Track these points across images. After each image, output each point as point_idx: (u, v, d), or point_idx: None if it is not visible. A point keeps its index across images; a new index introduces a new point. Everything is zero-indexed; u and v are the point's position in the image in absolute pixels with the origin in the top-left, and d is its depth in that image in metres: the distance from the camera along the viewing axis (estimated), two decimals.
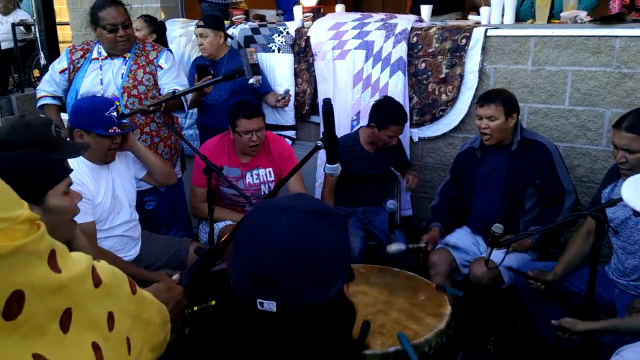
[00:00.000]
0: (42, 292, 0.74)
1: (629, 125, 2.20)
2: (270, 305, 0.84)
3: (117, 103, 3.00)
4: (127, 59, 3.09)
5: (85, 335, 0.82)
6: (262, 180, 3.14)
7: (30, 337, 0.73)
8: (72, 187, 2.37)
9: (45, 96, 3.19)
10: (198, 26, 3.62)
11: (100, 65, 3.07)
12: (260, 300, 0.84)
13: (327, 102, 1.87)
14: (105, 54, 3.09)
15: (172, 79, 3.14)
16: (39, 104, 3.22)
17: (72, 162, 2.42)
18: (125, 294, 0.98)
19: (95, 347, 0.83)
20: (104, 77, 3.05)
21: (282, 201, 0.93)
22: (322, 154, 3.39)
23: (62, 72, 3.13)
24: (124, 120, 2.78)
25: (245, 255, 0.88)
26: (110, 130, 2.47)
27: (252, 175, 3.11)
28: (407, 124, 3.55)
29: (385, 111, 3.11)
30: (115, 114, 2.51)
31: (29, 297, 0.72)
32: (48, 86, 3.18)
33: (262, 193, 3.15)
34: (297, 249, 0.85)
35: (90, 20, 3.06)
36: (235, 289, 0.89)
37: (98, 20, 2.97)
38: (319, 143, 1.85)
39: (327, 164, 1.94)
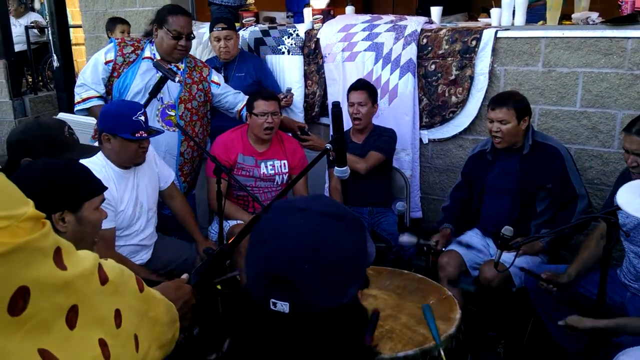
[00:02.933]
0: (47, 289, 0.75)
1: (639, 129, 2.19)
2: (283, 306, 0.84)
3: (174, 112, 3.06)
4: (180, 70, 3.08)
5: (92, 332, 0.84)
6: (277, 172, 3.19)
7: (36, 332, 0.74)
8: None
9: (92, 97, 3.02)
10: (222, 29, 3.62)
11: (156, 70, 2.95)
12: (274, 301, 0.84)
13: (337, 106, 1.88)
14: (159, 57, 3.03)
15: (228, 90, 3.27)
16: (86, 105, 3.03)
17: (100, 168, 2.45)
18: (133, 292, 0.99)
19: (102, 344, 0.85)
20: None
21: (300, 202, 0.93)
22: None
23: (107, 62, 3.02)
24: (159, 127, 2.81)
25: (261, 255, 0.88)
26: (137, 135, 2.47)
27: (266, 166, 3.17)
28: (417, 125, 3.55)
29: (348, 88, 3.32)
30: (142, 118, 2.50)
31: (34, 293, 0.73)
32: (91, 82, 3.02)
33: (276, 184, 3.21)
34: (313, 250, 0.85)
35: (154, 19, 3.04)
36: (248, 288, 0.89)
37: (165, 22, 2.97)
38: (328, 146, 1.85)
39: (336, 167, 1.94)
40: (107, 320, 0.88)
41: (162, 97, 3.03)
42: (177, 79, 2.88)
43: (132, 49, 3.07)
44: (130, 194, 2.59)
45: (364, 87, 3.24)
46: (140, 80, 3.02)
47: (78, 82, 3.12)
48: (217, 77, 3.25)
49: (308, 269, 0.83)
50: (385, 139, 3.29)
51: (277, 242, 0.86)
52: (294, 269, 0.84)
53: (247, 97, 3.21)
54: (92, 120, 3.07)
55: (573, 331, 2.14)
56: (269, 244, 0.87)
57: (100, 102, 3.02)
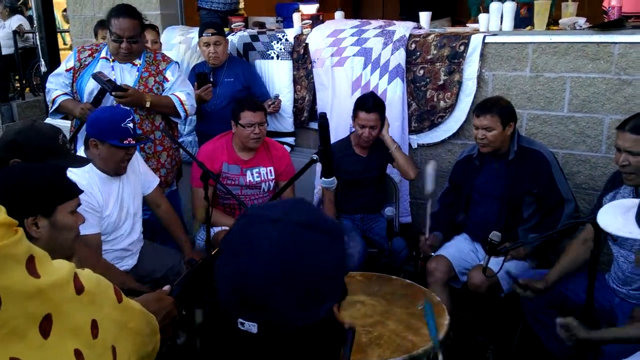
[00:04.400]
0: (19, 296, 0.74)
1: (633, 127, 2.18)
2: (251, 327, 0.78)
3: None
4: (137, 65, 3.11)
5: (67, 342, 0.82)
6: (263, 179, 3.17)
7: (8, 340, 0.73)
8: (81, 197, 2.39)
9: (58, 95, 3.13)
10: (212, 34, 3.61)
11: (112, 66, 3.08)
12: (241, 320, 0.79)
13: (323, 117, 1.88)
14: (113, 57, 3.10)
15: (176, 86, 3.16)
16: (55, 104, 3.12)
17: (84, 173, 2.43)
18: (111, 303, 0.97)
19: (78, 354, 0.83)
20: (116, 78, 3.05)
21: (275, 210, 0.85)
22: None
23: (68, 70, 3.14)
24: (139, 132, 2.82)
25: (228, 270, 0.82)
26: (125, 142, 2.46)
27: (252, 174, 3.14)
28: (406, 130, 3.56)
29: (356, 101, 3.13)
30: (131, 125, 2.49)
31: (6, 301, 0.72)
32: (55, 85, 3.17)
33: (263, 191, 3.18)
34: (284, 267, 0.78)
35: (106, 22, 3.08)
36: (219, 300, 0.83)
37: (109, 24, 3.00)
38: (314, 156, 1.85)
39: (323, 178, 1.94)
40: (83, 331, 0.86)
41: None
42: (116, 91, 2.89)
43: (89, 52, 3.14)
44: (116, 199, 2.57)
45: (377, 108, 3.03)
46: (93, 80, 3.03)
47: (47, 93, 3.25)
48: (171, 73, 3.17)
49: (278, 287, 0.77)
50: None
51: (245, 258, 0.80)
52: (262, 289, 0.78)
53: (184, 94, 3.14)
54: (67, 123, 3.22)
55: (567, 332, 2.12)
56: (237, 259, 0.81)
57: (67, 97, 3.13)
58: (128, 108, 2.94)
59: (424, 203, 3.66)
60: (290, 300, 0.78)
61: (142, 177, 2.79)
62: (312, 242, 0.81)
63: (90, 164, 2.48)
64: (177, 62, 3.33)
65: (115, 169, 2.54)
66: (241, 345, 0.81)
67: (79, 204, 1.62)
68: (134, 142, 2.50)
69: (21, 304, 0.75)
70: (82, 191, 1.66)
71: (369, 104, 3.04)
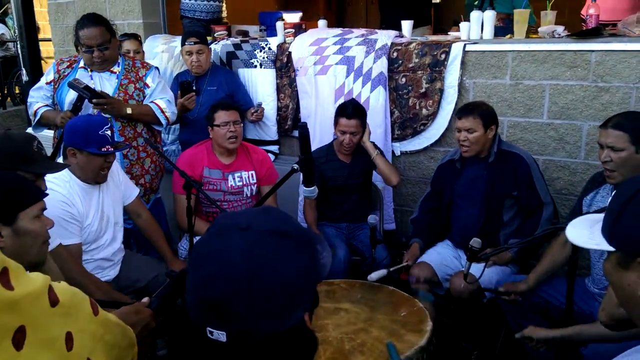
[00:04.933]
0: None
1: (615, 123, 2.22)
2: (219, 335, 0.78)
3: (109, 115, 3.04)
4: (116, 73, 3.12)
5: (41, 354, 0.82)
6: (245, 183, 3.17)
7: None
8: (62, 207, 2.36)
9: (41, 106, 3.15)
10: (194, 43, 3.61)
11: (91, 75, 3.09)
12: (210, 329, 0.79)
13: (303, 126, 1.89)
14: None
15: (157, 93, 3.16)
16: (37, 117, 3.14)
17: (64, 182, 2.42)
18: (86, 315, 0.97)
19: None
20: (95, 87, 3.04)
21: (243, 218, 0.85)
22: None
23: (48, 83, 3.17)
24: (118, 139, 2.84)
25: (196, 280, 0.82)
26: (103, 149, 2.45)
27: (234, 178, 3.14)
28: (389, 137, 3.58)
29: (337, 108, 3.16)
30: (109, 132, 2.49)
31: None
32: (36, 98, 3.19)
33: (245, 196, 3.18)
34: (251, 276, 0.78)
35: (74, 32, 3.10)
36: (188, 311, 0.83)
37: (78, 37, 3.02)
38: (295, 166, 1.86)
39: (304, 187, 1.95)
40: (58, 343, 0.86)
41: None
42: (95, 98, 2.90)
43: (68, 64, 3.16)
44: (96, 208, 2.56)
45: (357, 114, 3.06)
46: (73, 90, 3.04)
47: (29, 107, 3.27)
48: (151, 79, 3.18)
49: (245, 296, 0.78)
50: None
51: (212, 267, 0.80)
52: (229, 297, 0.78)
53: (164, 101, 3.16)
54: (50, 133, 3.24)
55: (531, 342, 2.17)
56: (204, 269, 0.81)
57: (48, 108, 3.15)
58: (107, 116, 2.95)
59: (407, 210, 3.69)
60: (258, 308, 0.78)
61: (122, 186, 2.78)
62: (279, 250, 0.81)
63: (70, 174, 2.47)
64: (156, 67, 3.33)
65: (95, 178, 2.52)
66: (212, 354, 0.81)
67: (44, 208, 1.58)
68: (112, 150, 2.49)
69: None
70: (45, 194, 1.62)
71: (349, 110, 3.07)
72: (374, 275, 2.60)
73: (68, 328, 0.89)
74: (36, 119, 3.15)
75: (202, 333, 0.80)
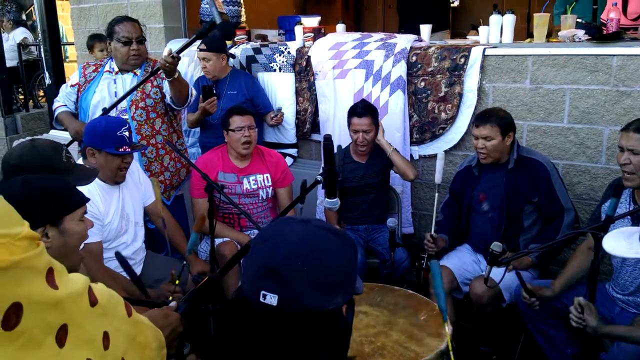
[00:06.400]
0: (39, 306, 0.78)
1: (637, 127, 2.23)
2: (272, 299, 0.90)
3: (127, 115, 3.14)
4: (137, 75, 3.20)
5: (81, 352, 0.86)
6: (260, 186, 3.20)
7: (26, 348, 0.76)
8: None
9: (61, 105, 3.32)
10: (200, 50, 3.68)
11: (114, 79, 3.18)
12: (264, 293, 0.90)
13: (328, 139, 1.91)
14: (117, 69, 3.20)
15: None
16: (56, 114, 3.32)
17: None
18: (121, 316, 1.00)
19: None
20: (117, 90, 3.15)
21: (302, 217, 1.06)
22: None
23: (72, 86, 3.29)
24: (135, 141, 2.92)
25: (259, 252, 0.95)
26: (120, 150, 2.50)
27: (249, 181, 3.17)
28: (407, 141, 3.59)
29: (349, 109, 3.23)
30: (127, 133, 2.54)
31: (27, 310, 0.75)
32: (60, 97, 3.35)
33: (261, 199, 3.21)
34: (308, 251, 0.92)
35: (106, 34, 3.21)
36: (242, 286, 0.95)
37: (114, 33, 3.11)
38: (319, 177, 1.88)
39: (326, 199, 1.97)
40: (96, 341, 0.89)
41: (117, 106, 3.13)
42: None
43: (94, 68, 3.27)
44: (116, 207, 2.61)
45: (367, 112, 3.15)
46: (99, 93, 3.17)
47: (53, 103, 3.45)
48: None
49: (300, 266, 0.91)
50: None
51: (276, 241, 0.95)
52: (288, 264, 0.91)
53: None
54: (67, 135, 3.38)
55: (580, 313, 2.11)
56: (268, 243, 0.95)
57: (66, 109, 3.31)
58: (125, 117, 3.04)
59: (425, 214, 3.69)
60: (308, 279, 0.91)
61: (142, 187, 2.82)
62: (331, 240, 0.97)
63: None
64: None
65: (113, 177, 2.58)
66: (258, 323, 0.91)
67: (86, 211, 1.65)
68: (129, 150, 2.54)
69: (41, 314, 0.78)
70: (88, 199, 1.68)
71: (360, 109, 3.17)
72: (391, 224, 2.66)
73: (105, 328, 0.92)
74: (54, 117, 3.33)
75: (253, 301, 0.91)
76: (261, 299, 0.90)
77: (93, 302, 0.90)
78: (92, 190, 2.50)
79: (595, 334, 2.12)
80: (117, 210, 2.61)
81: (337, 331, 0.95)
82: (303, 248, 0.93)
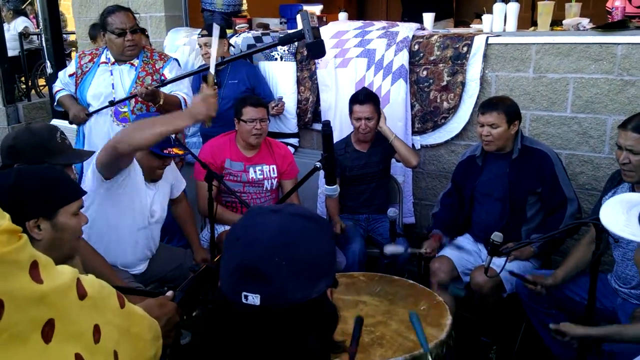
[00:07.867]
0: (22, 302, 0.75)
1: (635, 126, 2.20)
2: (254, 299, 0.87)
3: (126, 107, 3.14)
4: (135, 65, 3.16)
5: (69, 347, 0.83)
6: (265, 176, 3.20)
7: (10, 345, 0.74)
8: (133, 191, 2.41)
9: (61, 89, 3.33)
10: (202, 35, 3.66)
11: (111, 70, 3.14)
12: (245, 294, 0.87)
13: (327, 125, 1.89)
14: (113, 60, 3.16)
15: (174, 86, 3.17)
16: (57, 97, 3.33)
17: (136, 173, 2.46)
18: (113, 308, 0.98)
19: (78, 358, 0.84)
20: (115, 82, 3.11)
21: (273, 206, 1.00)
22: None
23: (70, 75, 3.27)
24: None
25: (234, 251, 0.92)
26: (165, 151, 2.48)
27: (255, 171, 3.17)
28: (409, 131, 3.56)
29: (350, 97, 3.23)
30: (173, 135, 2.51)
31: (9, 306, 0.73)
32: (60, 82, 3.35)
33: (265, 189, 3.21)
34: (284, 244, 0.89)
35: (100, 27, 3.16)
36: (222, 287, 0.92)
37: (107, 25, 3.05)
38: (318, 164, 1.86)
39: (325, 186, 1.95)
40: (85, 335, 0.87)
41: (114, 98, 3.11)
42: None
43: (90, 57, 3.22)
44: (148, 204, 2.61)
45: (369, 100, 3.15)
46: (95, 85, 3.14)
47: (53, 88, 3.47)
48: (168, 71, 3.21)
49: (278, 261, 0.87)
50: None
51: (250, 238, 0.91)
52: (265, 261, 0.88)
53: (187, 95, 3.20)
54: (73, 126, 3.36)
55: (563, 337, 2.14)
56: (242, 241, 0.91)
57: (67, 92, 3.31)
58: (123, 110, 3.07)
59: (427, 204, 3.67)
60: (288, 273, 0.88)
61: (171, 184, 2.81)
62: (306, 227, 0.94)
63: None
64: (175, 59, 3.36)
65: (150, 175, 2.57)
66: (241, 323, 0.88)
67: (82, 206, 1.61)
68: (173, 153, 2.52)
69: (24, 310, 0.75)
70: (85, 192, 1.66)
71: (361, 96, 3.17)
72: (389, 249, 2.61)
73: (95, 321, 0.90)
74: (55, 100, 3.36)
75: (235, 302, 0.88)
76: (243, 300, 0.87)
77: (82, 294, 0.88)
78: (139, 180, 2.52)
79: (589, 339, 2.11)
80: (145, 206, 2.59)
81: (325, 315, 0.93)
82: (278, 242, 0.89)
